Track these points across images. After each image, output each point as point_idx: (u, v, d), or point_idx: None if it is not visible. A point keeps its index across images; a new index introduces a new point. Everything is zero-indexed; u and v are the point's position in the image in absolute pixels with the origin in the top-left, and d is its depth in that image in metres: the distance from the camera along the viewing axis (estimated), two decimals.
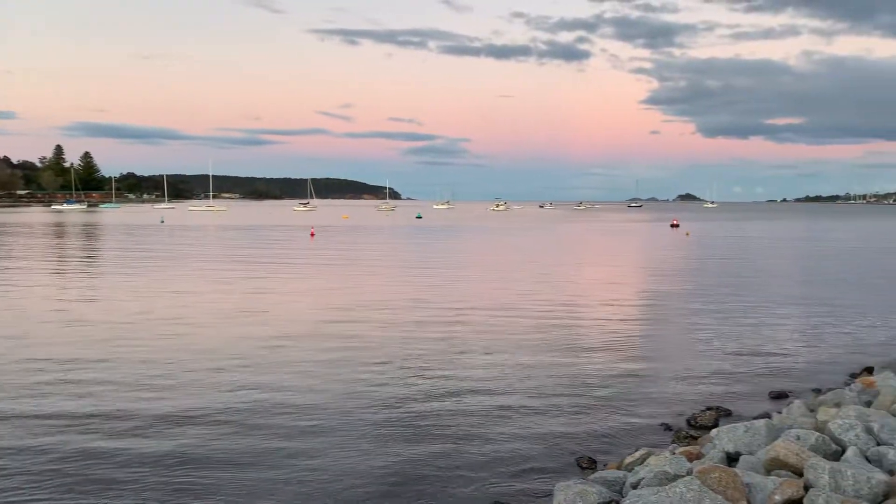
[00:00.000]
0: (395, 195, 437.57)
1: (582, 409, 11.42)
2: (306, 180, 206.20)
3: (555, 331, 17.90)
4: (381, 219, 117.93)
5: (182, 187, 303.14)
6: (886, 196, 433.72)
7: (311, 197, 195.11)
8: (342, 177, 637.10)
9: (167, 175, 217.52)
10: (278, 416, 10.80)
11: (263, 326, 18.16)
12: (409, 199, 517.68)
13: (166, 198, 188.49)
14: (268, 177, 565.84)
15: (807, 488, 5.73)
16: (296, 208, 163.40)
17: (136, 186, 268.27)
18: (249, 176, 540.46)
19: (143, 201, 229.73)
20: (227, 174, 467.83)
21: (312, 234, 63.40)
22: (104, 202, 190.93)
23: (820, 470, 5.82)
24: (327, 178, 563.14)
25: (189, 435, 9.91)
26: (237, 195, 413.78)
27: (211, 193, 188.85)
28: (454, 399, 11.83)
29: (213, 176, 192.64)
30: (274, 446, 9.53)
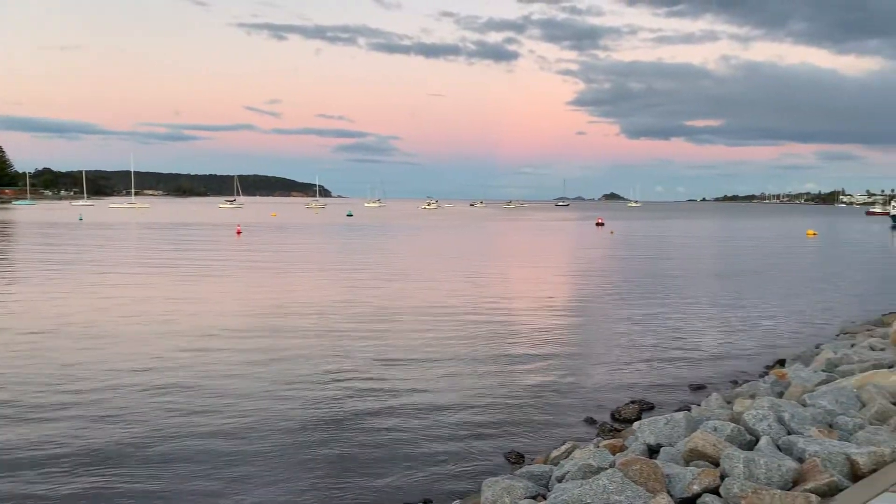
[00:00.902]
0: (325, 193, 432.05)
1: (510, 405, 11.56)
2: (233, 177, 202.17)
3: (483, 330, 18.04)
4: (311, 217, 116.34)
5: (102, 184, 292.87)
6: (799, 196, 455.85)
7: (238, 194, 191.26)
8: (270, 174, 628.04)
9: (86, 171, 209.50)
10: (203, 435, 10.12)
11: (185, 332, 17.38)
12: (339, 196, 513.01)
13: (85, 194, 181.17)
14: (192, 173, 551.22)
15: (723, 477, 5.93)
16: (222, 206, 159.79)
17: (52, 183, 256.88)
18: (173, 172, 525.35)
19: (61, 198, 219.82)
20: (150, 170, 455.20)
21: (239, 233, 62.07)
22: (18, 199, 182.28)
23: (735, 459, 6.03)
24: (255, 175, 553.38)
25: (107, 463, 9.04)
26: (161, 192, 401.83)
27: (133, 190, 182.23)
28: (384, 400, 11.78)
29: (135, 172, 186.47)
30: (200, 461, 9.12)
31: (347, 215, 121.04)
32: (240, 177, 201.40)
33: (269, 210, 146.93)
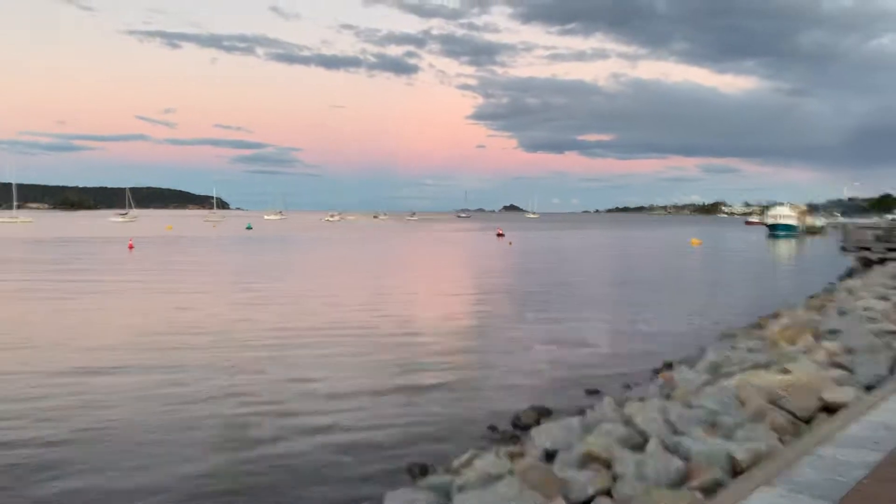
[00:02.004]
0: (223, 205, 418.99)
1: (414, 417, 11.58)
2: (125, 189, 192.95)
3: (385, 343, 17.98)
4: (209, 230, 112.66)
5: None
6: (684, 207, 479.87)
7: (130, 207, 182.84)
8: (165, 186, 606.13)
9: None
10: (86, 471, 9.33)
11: (67, 356, 15.97)
12: (238, 209, 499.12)
13: None
14: (81, 185, 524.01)
15: (615, 479, 6.18)
16: (113, 219, 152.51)
17: None
18: (60, 184, 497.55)
19: None
20: (34, 182, 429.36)
21: (131, 247, 59.45)
22: None
23: (626, 461, 6.30)
24: (149, 188, 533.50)
25: None
26: (47, 205, 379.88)
27: (14, 203, 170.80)
28: (284, 417, 11.55)
29: (18, 184, 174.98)
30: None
31: (247, 228, 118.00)
32: (132, 189, 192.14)
33: (164, 223, 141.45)
